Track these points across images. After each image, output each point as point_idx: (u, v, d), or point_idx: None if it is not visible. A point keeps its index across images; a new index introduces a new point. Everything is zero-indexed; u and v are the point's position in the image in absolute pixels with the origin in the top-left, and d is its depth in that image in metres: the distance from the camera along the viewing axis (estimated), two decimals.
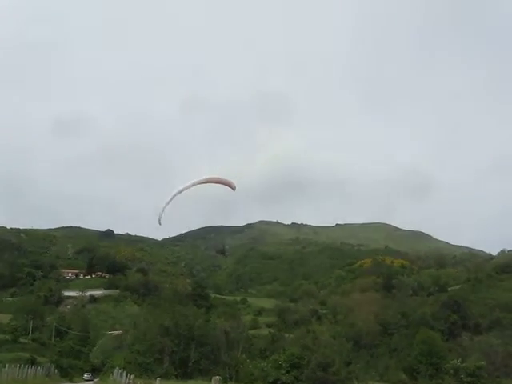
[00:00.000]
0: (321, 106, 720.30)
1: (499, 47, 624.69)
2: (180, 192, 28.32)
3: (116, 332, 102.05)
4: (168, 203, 28.44)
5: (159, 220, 28.57)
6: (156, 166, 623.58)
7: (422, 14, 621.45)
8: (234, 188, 29.21)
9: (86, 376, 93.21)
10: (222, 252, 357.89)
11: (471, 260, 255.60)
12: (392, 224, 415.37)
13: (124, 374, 37.69)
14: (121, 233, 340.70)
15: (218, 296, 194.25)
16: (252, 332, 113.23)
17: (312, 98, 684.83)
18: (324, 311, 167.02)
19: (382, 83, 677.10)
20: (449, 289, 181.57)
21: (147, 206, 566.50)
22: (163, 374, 52.91)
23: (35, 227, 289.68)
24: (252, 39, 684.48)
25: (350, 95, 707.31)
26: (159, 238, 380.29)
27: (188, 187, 28.40)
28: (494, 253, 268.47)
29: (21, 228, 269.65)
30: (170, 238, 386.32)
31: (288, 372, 60.56)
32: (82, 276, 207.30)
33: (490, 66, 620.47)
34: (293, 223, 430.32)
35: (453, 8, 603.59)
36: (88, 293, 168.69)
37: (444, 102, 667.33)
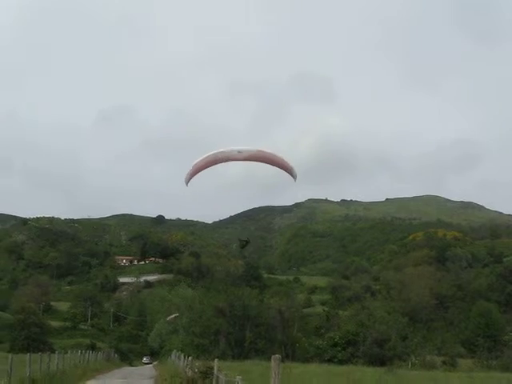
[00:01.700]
0: (363, 83, 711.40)
1: None
2: (220, 160, 22.39)
3: (172, 315, 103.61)
4: (200, 167, 22.68)
5: (186, 181, 23.54)
6: (202, 151, 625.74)
7: None
8: (294, 177, 23.54)
9: (145, 359, 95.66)
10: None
11: None
12: (443, 196, 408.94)
13: (182, 356, 38.24)
14: (172, 218, 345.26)
15: (270, 276, 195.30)
16: (306, 310, 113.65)
17: (354, 76, 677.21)
18: (377, 287, 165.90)
19: (426, 57, 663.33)
20: (504, 259, 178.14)
21: (194, 190, 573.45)
22: (220, 354, 53.46)
23: (89, 217, 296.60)
24: (294, 20, 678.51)
25: (392, 70, 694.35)
26: (209, 221, 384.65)
27: (233, 158, 22.19)
28: None
29: (75, 218, 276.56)
30: (221, 220, 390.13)
31: (344, 349, 60.51)
32: (136, 262, 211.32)
33: None
34: (342, 200, 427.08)
35: None
36: (143, 278, 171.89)
37: (489, 73, 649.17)
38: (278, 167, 23.01)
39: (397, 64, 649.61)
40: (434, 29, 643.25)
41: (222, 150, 22.30)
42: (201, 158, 22.59)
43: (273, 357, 10.29)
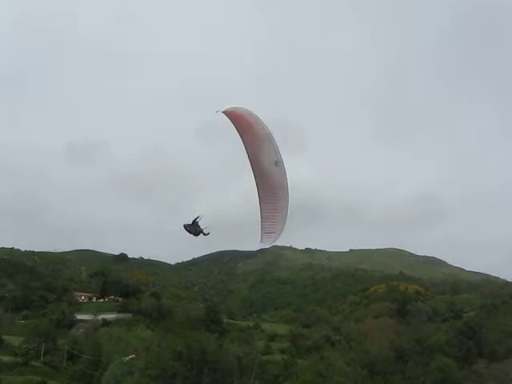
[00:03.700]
0: (335, 135, 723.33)
1: None
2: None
3: (128, 356, 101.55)
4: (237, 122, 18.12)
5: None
6: (169, 192, 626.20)
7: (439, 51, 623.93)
8: (262, 239, 20.58)
9: None
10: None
11: (486, 286, 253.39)
12: (406, 250, 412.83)
13: None
14: (134, 257, 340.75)
15: (231, 321, 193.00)
16: (265, 358, 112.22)
17: (326, 127, 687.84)
18: (337, 337, 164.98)
19: (397, 113, 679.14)
20: (464, 315, 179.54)
21: (160, 230, 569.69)
22: None
23: (49, 250, 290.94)
24: (267, 67, 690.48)
25: (363, 124, 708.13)
26: (172, 262, 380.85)
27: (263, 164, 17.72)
28: (510, 279, 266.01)
29: (35, 251, 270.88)
30: (183, 262, 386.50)
31: None
32: (94, 299, 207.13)
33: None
34: (306, 248, 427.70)
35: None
36: (100, 316, 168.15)
37: (458, 130, 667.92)
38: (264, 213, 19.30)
39: (369, 118, 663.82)
40: (407, 87, 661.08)
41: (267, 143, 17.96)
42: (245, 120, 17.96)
43: None
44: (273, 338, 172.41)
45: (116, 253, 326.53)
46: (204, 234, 23.10)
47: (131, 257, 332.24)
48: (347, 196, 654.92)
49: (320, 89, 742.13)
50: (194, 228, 21.85)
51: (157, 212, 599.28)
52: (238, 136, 17.18)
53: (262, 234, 18.93)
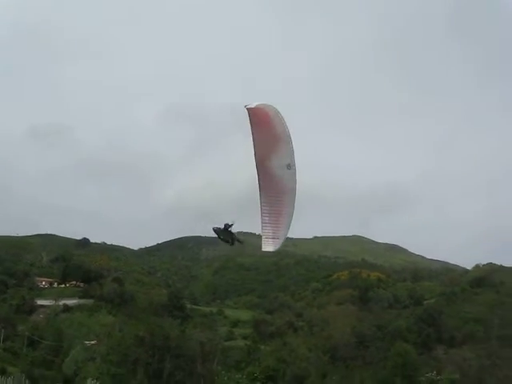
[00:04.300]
0: (300, 118, 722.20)
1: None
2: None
3: (90, 342, 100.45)
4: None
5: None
6: (133, 176, 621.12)
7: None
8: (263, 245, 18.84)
9: None
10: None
11: (446, 274, 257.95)
12: (369, 237, 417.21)
13: None
14: (97, 241, 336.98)
15: (194, 307, 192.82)
16: (228, 343, 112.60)
17: (291, 111, 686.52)
18: (300, 323, 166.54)
19: (359, 98, 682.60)
20: (424, 302, 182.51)
21: (124, 215, 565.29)
22: None
23: (10, 234, 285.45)
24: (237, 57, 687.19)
25: (325, 110, 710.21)
26: (135, 247, 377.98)
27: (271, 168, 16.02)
28: (469, 267, 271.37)
29: None
30: (147, 247, 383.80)
31: None
32: (55, 285, 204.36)
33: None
34: None
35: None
36: (62, 302, 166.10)
37: (417, 118, 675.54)
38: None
39: (330, 103, 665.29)
40: (370, 73, 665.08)
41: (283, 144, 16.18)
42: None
43: None
44: (236, 323, 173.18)
45: (78, 237, 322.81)
46: (240, 242, 21.82)
47: (93, 242, 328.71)
48: (311, 183, 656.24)
49: (284, 71, 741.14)
50: (227, 235, 20.51)
51: (120, 197, 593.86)
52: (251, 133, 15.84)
53: (263, 239, 17.88)
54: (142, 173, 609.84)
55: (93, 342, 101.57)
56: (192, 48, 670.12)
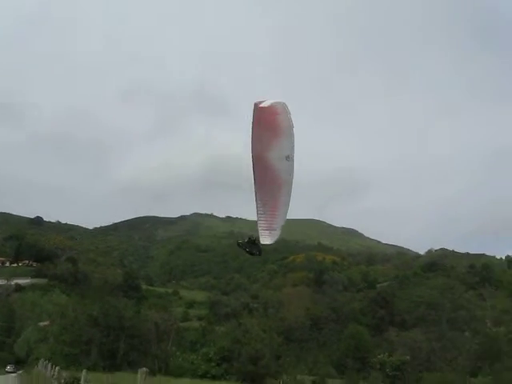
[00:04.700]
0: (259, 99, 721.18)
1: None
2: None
3: (42, 323, 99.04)
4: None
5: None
6: (91, 153, 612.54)
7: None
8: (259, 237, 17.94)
9: (8, 368, 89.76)
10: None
11: (400, 258, 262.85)
12: (325, 221, 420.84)
13: (49, 365, 36.22)
14: (51, 220, 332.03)
15: (149, 287, 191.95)
16: (183, 324, 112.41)
17: (252, 94, 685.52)
18: (255, 305, 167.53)
19: (315, 84, 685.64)
20: (377, 285, 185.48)
21: (79, 193, 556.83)
22: (91, 365, 51.56)
23: None
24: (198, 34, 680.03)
25: (290, 93, 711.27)
26: (91, 226, 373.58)
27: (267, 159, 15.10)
28: (422, 252, 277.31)
29: None
30: (102, 227, 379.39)
31: (218, 365, 60.41)
32: (8, 264, 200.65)
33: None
34: (227, 216, 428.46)
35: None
36: (14, 281, 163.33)
37: (377, 105, 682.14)
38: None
39: (293, 82, 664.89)
40: (330, 59, 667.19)
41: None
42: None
43: (139, 370, 9.79)
44: (191, 304, 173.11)
45: (32, 216, 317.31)
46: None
47: (47, 220, 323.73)
48: None
49: (242, 54, 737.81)
50: (254, 247, 19.60)
51: (77, 175, 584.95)
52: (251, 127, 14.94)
53: (260, 231, 17.04)
54: (99, 150, 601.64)
55: (46, 323, 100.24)
56: (154, 26, 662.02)
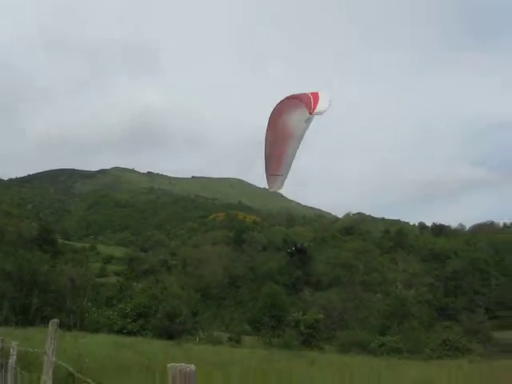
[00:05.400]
0: (190, 61, 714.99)
1: None
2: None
3: None
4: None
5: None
6: (10, 104, 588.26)
7: None
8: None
9: None
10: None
11: (319, 221, 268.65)
12: (246, 181, 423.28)
13: None
14: None
15: (66, 242, 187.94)
16: (100, 280, 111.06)
17: (178, 54, 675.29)
18: (174, 262, 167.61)
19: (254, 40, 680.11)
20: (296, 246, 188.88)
21: None
22: (2, 320, 50.27)
23: None
24: None
25: (221, 51, 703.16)
26: (5, 177, 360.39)
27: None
28: (340, 215, 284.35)
29: None
30: (17, 178, 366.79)
31: (134, 321, 60.21)
32: None
33: None
34: (148, 172, 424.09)
35: None
36: None
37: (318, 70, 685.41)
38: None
39: (225, 46, 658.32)
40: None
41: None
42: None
43: (50, 321, 9.41)
44: (109, 260, 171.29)
45: None
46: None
47: None
48: (193, 125, 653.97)
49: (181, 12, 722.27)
50: (304, 255, 20.85)
51: None
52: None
53: (268, 177, 16.07)
54: (19, 102, 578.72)
55: None
56: None
